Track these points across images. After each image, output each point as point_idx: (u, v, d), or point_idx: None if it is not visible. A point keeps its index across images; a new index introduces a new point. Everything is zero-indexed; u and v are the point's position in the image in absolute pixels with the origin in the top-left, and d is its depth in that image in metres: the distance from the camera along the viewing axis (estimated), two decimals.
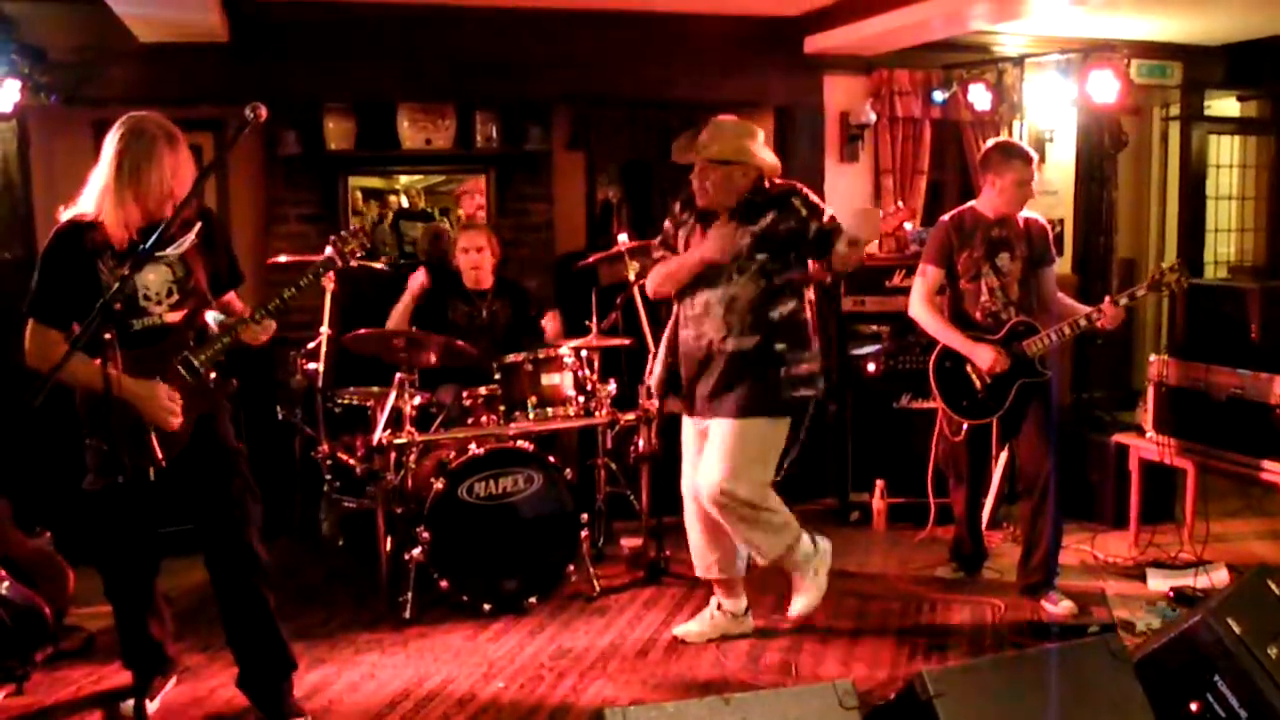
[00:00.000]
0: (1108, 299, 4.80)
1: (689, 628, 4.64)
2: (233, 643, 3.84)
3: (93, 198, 3.55)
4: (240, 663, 3.84)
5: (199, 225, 3.67)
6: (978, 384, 4.91)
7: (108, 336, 3.08)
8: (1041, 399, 4.90)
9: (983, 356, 4.82)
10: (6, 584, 4.20)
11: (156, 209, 3.52)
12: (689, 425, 4.55)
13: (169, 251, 3.57)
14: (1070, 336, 4.90)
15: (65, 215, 3.59)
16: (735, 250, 4.24)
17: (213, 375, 3.68)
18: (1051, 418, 4.92)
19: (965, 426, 5.05)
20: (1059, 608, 4.82)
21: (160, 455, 3.55)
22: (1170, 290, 4.84)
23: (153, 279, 3.61)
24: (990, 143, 5.10)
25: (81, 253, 3.52)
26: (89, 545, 3.75)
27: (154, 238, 3.21)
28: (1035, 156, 4.93)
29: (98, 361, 3.17)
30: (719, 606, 4.64)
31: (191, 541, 3.76)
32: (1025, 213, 5.00)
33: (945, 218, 5.07)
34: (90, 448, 3.63)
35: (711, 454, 4.32)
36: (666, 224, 4.62)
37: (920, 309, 5.01)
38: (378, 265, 5.94)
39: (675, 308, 4.54)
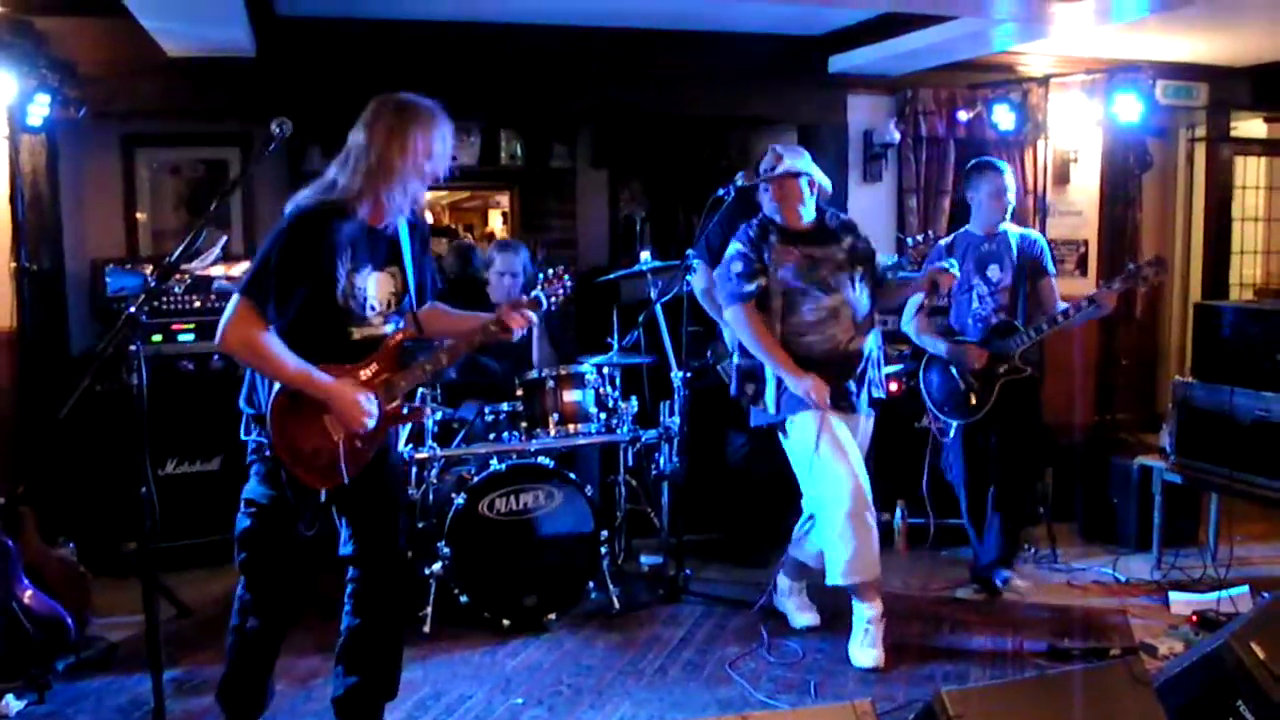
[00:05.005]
0: (1100, 289, 5.10)
1: (870, 657, 4.46)
2: (350, 658, 3.61)
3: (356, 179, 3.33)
4: (349, 679, 3.60)
5: (223, 239, 3.51)
6: (962, 385, 5.23)
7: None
8: (1026, 395, 5.24)
9: (962, 355, 5.19)
10: (30, 593, 4.23)
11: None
12: (842, 423, 4.58)
13: (198, 262, 3.46)
14: (1049, 331, 5.16)
15: (304, 197, 3.38)
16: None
17: (406, 399, 3.53)
18: (1037, 414, 5.36)
19: (955, 426, 5.36)
20: (1013, 586, 5.32)
21: (347, 475, 3.38)
22: (1148, 284, 5.13)
23: (376, 288, 3.44)
24: (968, 165, 5.43)
25: (325, 240, 3.29)
26: (246, 550, 3.50)
27: (182, 246, 3.14)
28: (1006, 168, 5.26)
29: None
30: (877, 617, 4.53)
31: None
32: (1021, 230, 5.35)
33: (942, 242, 5.36)
34: (260, 454, 3.42)
35: (860, 449, 4.64)
36: (741, 246, 4.70)
37: (908, 322, 5.40)
38: None
39: (776, 318, 4.63)
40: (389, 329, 3.51)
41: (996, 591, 5.32)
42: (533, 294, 3.76)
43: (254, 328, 3.23)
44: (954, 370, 5.27)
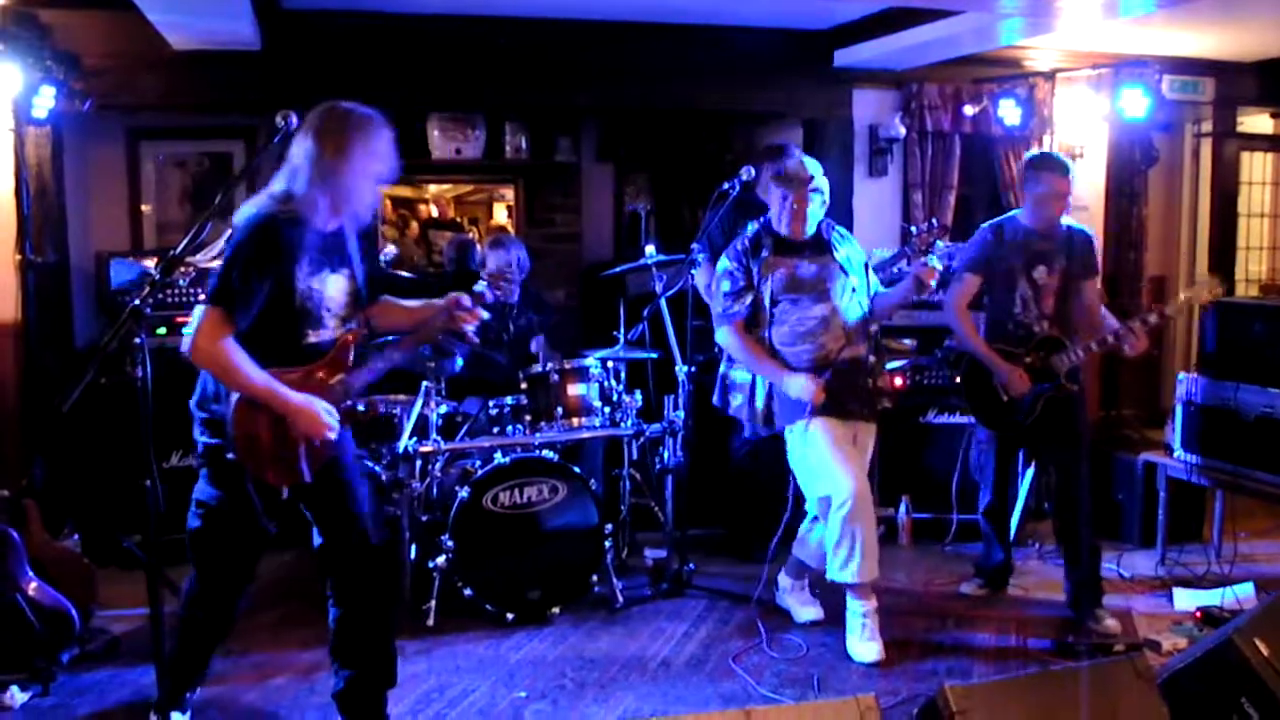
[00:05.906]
0: (1138, 322, 4.74)
1: (871, 651, 4.47)
2: (342, 650, 3.66)
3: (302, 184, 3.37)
4: (345, 672, 3.65)
5: (228, 232, 3.60)
6: (1003, 395, 4.93)
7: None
8: (1070, 413, 4.91)
9: (1004, 376, 4.88)
10: (34, 585, 4.24)
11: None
12: (840, 427, 4.57)
13: (202, 255, 3.51)
14: (1097, 352, 4.92)
15: (260, 206, 3.39)
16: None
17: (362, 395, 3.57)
18: (1082, 432, 4.95)
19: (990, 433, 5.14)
20: (1104, 625, 4.81)
21: (308, 475, 3.45)
22: (1203, 305, 4.94)
23: (335, 290, 3.51)
24: (1027, 155, 5.12)
25: (284, 248, 3.34)
26: (196, 550, 3.59)
27: (186, 239, 3.18)
28: (1072, 168, 4.91)
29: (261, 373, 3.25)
30: (871, 611, 4.54)
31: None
32: (1070, 223, 4.98)
33: (986, 226, 5.07)
34: (211, 455, 3.47)
35: (863, 457, 4.66)
36: (730, 263, 4.70)
37: (954, 315, 5.03)
38: (404, 274, 5.96)
39: (766, 329, 4.64)
40: (343, 330, 3.57)
41: (1001, 587, 5.31)
42: (475, 288, 3.84)
43: (223, 338, 3.28)
44: (995, 383, 4.94)
